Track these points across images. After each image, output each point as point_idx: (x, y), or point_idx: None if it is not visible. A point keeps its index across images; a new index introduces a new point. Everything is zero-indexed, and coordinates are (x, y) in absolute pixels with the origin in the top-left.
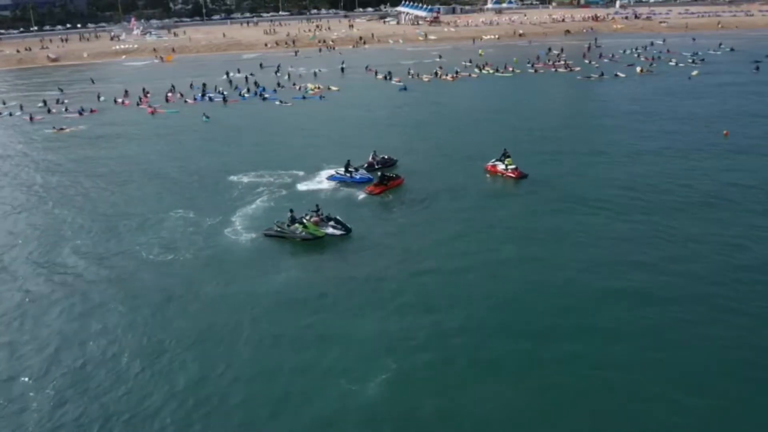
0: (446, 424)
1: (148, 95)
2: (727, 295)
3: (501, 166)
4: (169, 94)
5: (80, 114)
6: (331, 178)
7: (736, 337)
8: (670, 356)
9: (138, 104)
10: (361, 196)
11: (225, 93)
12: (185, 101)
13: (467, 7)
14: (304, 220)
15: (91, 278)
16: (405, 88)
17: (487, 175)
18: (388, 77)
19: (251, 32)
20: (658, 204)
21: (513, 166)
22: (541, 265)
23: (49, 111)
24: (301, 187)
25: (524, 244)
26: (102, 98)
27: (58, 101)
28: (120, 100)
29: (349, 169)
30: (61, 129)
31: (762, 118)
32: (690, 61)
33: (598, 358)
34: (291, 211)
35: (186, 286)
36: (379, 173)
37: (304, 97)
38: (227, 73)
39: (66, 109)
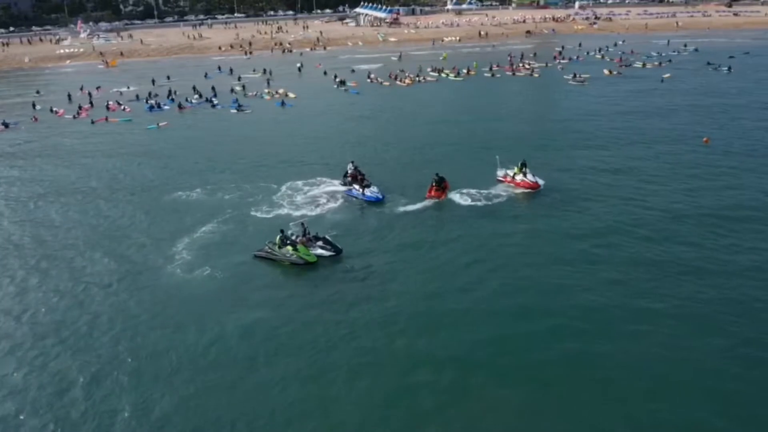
0: None
1: (92, 103)
2: None
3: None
4: (110, 103)
5: (5, 126)
6: (346, 192)
7: None
8: None
9: (77, 115)
10: (359, 209)
11: (179, 101)
12: (124, 109)
13: (427, 8)
14: (297, 243)
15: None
16: (360, 93)
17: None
18: (344, 82)
19: (174, 36)
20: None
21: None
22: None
23: None
24: (292, 203)
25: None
26: (38, 107)
27: None
28: (55, 110)
29: (364, 184)
30: None
31: (741, 123)
32: (657, 63)
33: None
34: (282, 231)
35: (175, 313)
36: (435, 176)
37: (239, 106)
38: (153, 81)
39: None
